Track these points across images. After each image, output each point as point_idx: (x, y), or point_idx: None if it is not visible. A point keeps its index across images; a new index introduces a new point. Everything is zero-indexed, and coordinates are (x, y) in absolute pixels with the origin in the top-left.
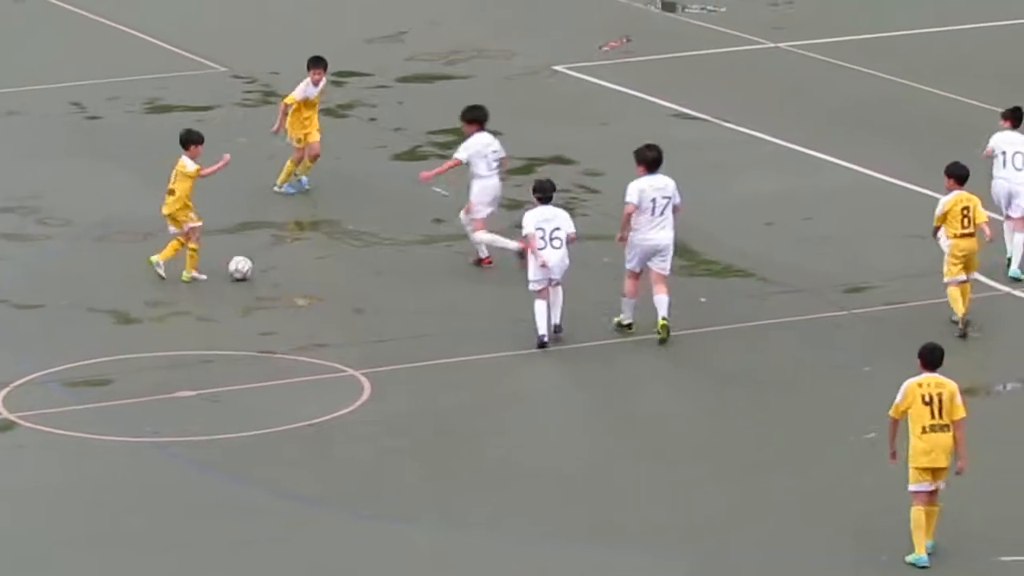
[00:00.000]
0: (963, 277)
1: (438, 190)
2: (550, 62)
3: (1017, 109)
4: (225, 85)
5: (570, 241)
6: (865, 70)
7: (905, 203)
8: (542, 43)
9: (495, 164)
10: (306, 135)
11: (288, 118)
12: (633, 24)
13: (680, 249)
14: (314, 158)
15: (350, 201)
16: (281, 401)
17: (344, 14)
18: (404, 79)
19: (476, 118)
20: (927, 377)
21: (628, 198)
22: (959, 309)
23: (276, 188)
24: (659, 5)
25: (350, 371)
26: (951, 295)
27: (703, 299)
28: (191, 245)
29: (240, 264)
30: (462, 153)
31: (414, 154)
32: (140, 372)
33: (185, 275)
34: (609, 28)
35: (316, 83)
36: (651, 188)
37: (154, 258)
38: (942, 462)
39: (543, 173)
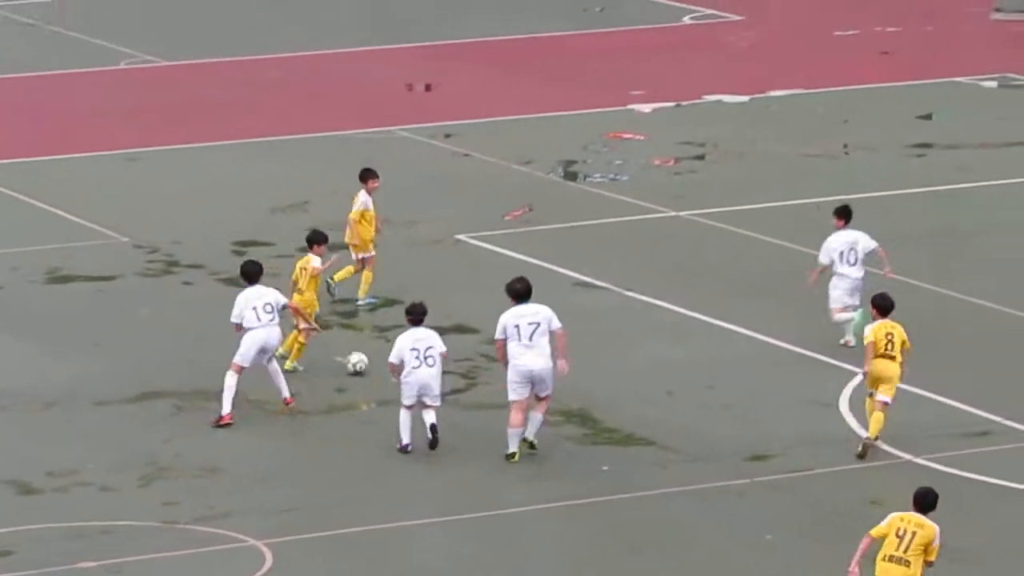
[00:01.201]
0: (882, 398)
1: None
2: (453, 231)
3: (846, 207)
4: (127, 255)
5: (443, 358)
6: (767, 239)
7: (807, 371)
8: (445, 212)
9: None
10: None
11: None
12: (536, 193)
13: (582, 417)
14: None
15: (251, 371)
16: (184, 572)
17: (248, 184)
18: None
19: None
20: (911, 515)
21: (496, 333)
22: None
23: (360, 302)
24: (562, 174)
25: (252, 541)
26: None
27: (605, 467)
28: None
29: (354, 359)
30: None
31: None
32: (42, 543)
33: (288, 364)
34: (512, 197)
35: (371, 192)
36: (515, 316)
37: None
38: None
39: (446, 341)
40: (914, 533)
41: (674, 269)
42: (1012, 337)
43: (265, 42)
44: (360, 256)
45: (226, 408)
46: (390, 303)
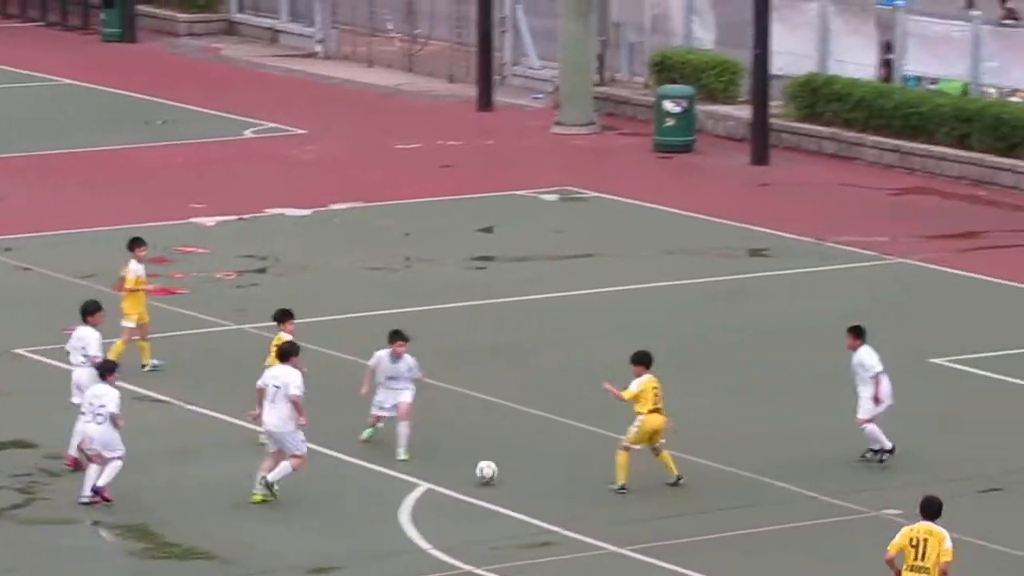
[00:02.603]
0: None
1: None
2: (11, 344)
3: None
4: None
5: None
6: (330, 351)
7: (371, 482)
8: (3, 326)
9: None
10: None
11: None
12: None
13: (140, 532)
14: None
15: None
16: None
17: None
18: None
19: None
20: (920, 524)
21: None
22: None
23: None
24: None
25: None
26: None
27: None
28: None
29: (485, 470)
30: None
31: None
32: None
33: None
34: (73, 310)
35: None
36: (270, 375)
37: None
38: None
39: (5, 456)
40: (926, 540)
41: (237, 383)
42: (569, 447)
43: None
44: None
45: None
46: None
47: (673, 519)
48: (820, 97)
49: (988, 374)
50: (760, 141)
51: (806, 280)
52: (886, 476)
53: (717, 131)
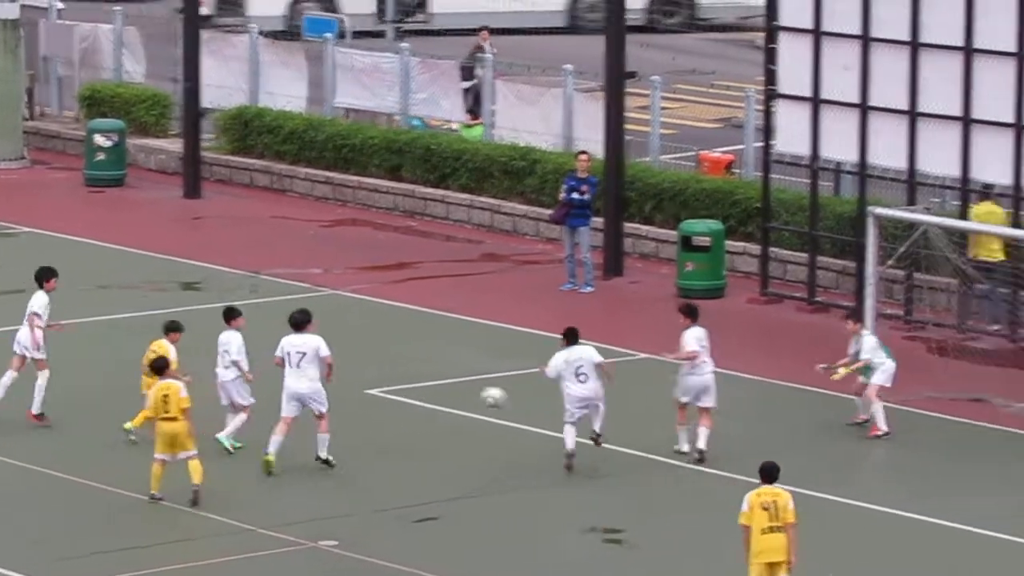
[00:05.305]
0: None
1: None
2: None
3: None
4: None
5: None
6: None
7: None
8: None
9: None
10: None
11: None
12: None
13: None
14: None
15: None
16: None
17: None
18: None
19: None
20: (764, 488)
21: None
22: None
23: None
24: None
25: None
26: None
27: None
28: None
29: (494, 394)
30: None
31: None
32: None
33: None
34: None
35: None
36: (288, 343)
37: None
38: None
39: None
40: (775, 502)
41: None
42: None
43: None
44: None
45: None
46: None
47: (105, 555)
48: (252, 130)
49: (420, 403)
50: (192, 174)
51: None
52: (322, 507)
53: (149, 165)
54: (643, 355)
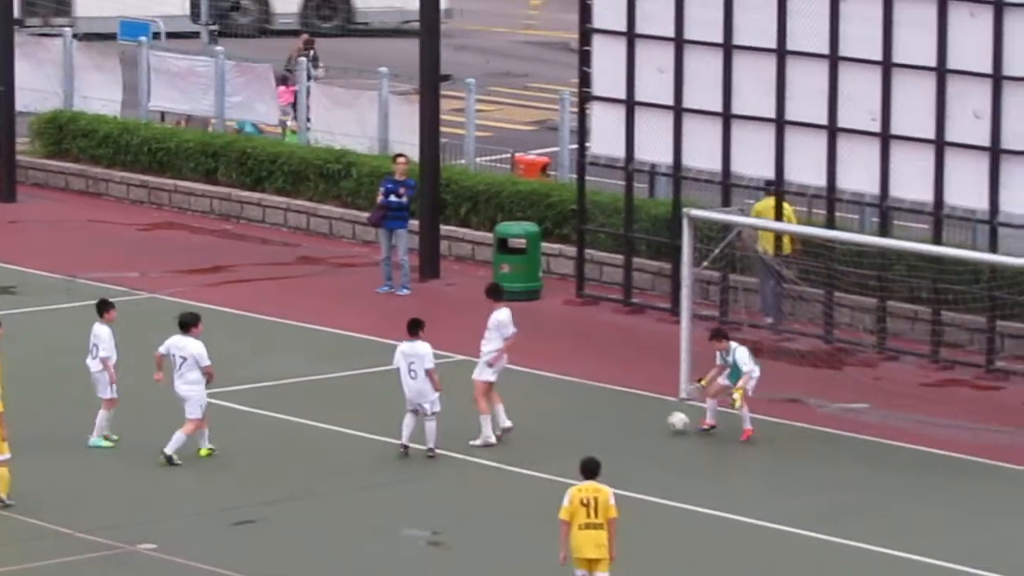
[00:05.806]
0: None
1: None
2: None
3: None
4: None
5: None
6: None
7: None
8: None
9: None
10: None
11: None
12: None
13: None
14: None
15: None
16: None
17: None
18: None
19: None
20: (586, 484)
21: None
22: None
23: None
24: None
25: None
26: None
27: None
28: None
29: (684, 419)
30: None
31: None
32: None
33: None
34: None
35: None
36: (173, 344)
37: None
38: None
39: None
40: (595, 498)
41: None
42: None
43: None
44: None
45: None
46: None
47: None
48: (67, 133)
49: (239, 407)
50: (7, 178)
51: (54, 317)
52: (140, 510)
53: None
54: (460, 357)
